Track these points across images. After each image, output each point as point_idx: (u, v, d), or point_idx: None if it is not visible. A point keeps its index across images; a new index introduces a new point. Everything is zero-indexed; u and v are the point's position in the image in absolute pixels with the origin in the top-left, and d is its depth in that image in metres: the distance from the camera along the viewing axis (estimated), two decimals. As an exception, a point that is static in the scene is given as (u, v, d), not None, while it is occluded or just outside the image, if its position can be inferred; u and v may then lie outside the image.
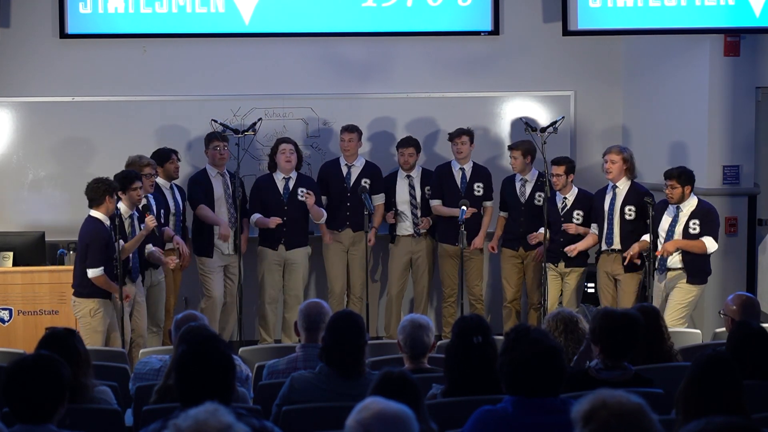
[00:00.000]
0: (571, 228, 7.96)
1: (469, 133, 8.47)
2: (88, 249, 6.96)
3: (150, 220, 7.25)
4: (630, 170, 7.85)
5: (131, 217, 7.34)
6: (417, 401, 3.55)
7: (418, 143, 8.55)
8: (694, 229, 7.44)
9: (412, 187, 8.57)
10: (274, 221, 8.16)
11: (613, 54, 9.19)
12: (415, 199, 8.56)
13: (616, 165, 7.85)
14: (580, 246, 7.94)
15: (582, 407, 2.86)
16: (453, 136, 8.46)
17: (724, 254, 8.36)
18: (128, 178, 7.26)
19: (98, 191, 6.96)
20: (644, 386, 4.37)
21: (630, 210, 7.81)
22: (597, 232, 7.98)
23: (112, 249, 6.92)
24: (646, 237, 7.62)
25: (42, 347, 4.21)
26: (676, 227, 7.47)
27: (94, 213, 6.99)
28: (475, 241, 8.40)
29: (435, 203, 8.52)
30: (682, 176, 7.44)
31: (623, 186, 7.85)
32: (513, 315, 8.50)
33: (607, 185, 7.97)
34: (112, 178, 7.20)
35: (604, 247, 7.92)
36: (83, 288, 7.06)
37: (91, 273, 6.95)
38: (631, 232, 7.78)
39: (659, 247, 7.46)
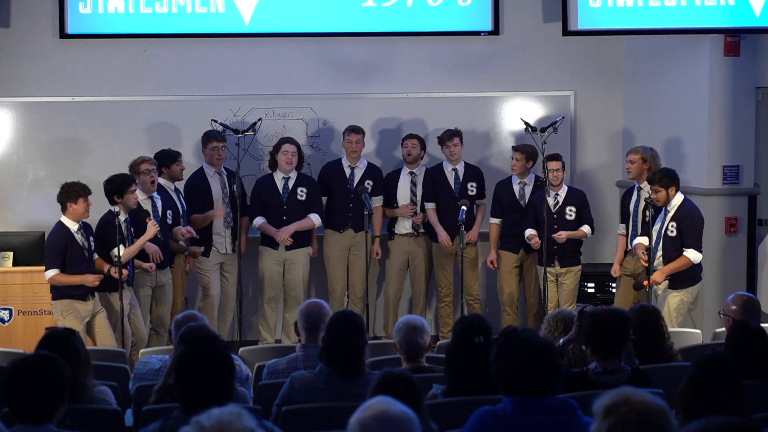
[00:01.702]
0: (562, 236, 7.95)
1: (459, 134, 8.44)
2: (46, 252, 7.09)
3: (152, 225, 7.26)
4: (652, 171, 7.76)
5: (126, 221, 7.31)
6: (417, 401, 3.55)
7: (422, 139, 8.55)
8: (672, 231, 7.38)
9: (414, 184, 8.56)
10: (285, 239, 8.15)
11: (613, 54, 9.18)
12: (416, 196, 8.55)
13: (634, 165, 7.85)
14: (569, 234, 7.96)
15: (604, 401, 2.88)
16: (444, 139, 8.41)
17: (724, 254, 8.37)
18: (124, 182, 7.23)
19: (60, 197, 7.07)
20: (642, 384, 4.37)
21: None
22: (625, 233, 7.97)
23: (76, 252, 7.00)
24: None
25: (42, 347, 4.22)
26: (661, 229, 7.46)
27: (62, 218, 7.09)
28: (468, 234, 8.32)
29: (429, 206, 8.50)
30: (664, 179, 7.36)
31: (647, 187, 7.81)
32: (511, 318, 8.47)
33: (633, 185, 7.96)
34: (111, 178, 7.24)
35: (628, 247, 7.91)
36: (53, 291, 7.17)
37: (46, 276, 7.05)
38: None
39: (657, 248, 7.46)
